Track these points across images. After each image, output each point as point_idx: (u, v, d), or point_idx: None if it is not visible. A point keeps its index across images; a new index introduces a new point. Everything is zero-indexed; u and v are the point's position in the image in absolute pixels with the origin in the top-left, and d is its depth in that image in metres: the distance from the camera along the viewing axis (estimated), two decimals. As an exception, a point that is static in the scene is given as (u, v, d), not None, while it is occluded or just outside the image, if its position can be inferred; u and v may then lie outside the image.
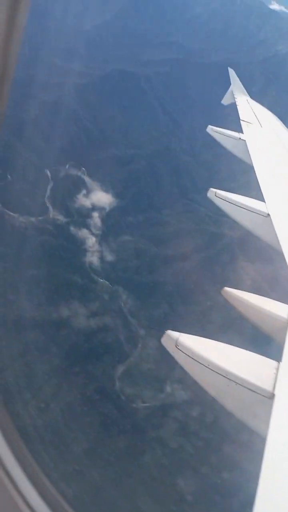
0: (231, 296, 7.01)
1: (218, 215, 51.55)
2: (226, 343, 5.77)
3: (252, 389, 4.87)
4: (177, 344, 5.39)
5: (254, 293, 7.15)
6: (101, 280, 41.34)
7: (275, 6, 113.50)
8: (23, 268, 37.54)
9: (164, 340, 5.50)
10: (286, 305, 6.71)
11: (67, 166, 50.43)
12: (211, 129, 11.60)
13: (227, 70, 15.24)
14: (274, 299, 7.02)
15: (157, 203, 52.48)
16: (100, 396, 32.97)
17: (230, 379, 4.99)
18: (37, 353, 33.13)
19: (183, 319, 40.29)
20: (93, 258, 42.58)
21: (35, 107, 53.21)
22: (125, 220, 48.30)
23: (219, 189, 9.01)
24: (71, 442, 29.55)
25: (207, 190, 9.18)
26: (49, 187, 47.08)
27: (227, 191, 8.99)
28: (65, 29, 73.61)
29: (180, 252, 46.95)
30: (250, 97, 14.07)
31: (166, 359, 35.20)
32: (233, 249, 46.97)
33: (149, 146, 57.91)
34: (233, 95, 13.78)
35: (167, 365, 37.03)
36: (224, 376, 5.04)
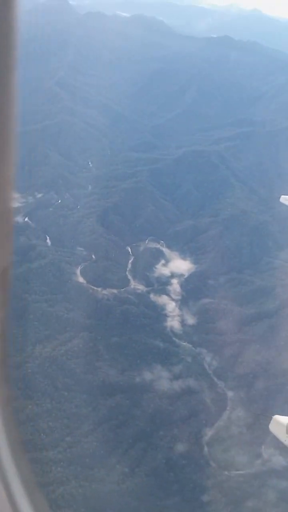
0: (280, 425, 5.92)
1: None
2: None
3: None
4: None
5: None
6: (183, 343, 41.27)
7: None
8: (107, 336, 39.41)
9: (272, 426, 5.05)
10: None
11: (146, 241, 53.69)
12: (284, 199, 12.27)
13: None
14: None
15: (238, 264, 52.38)
16: (188, 462, 31.38)
17: None
18: (122, 417, 33.33)
19: (273, 380, 37.83)
20: (173, 323, 43.08)
21: (114, 195, 59.04)
22: (205, 284, 48.73)
23: None
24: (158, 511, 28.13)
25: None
26: (130, 262, 50.22)
27: None
28: (140, 127, 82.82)
29: (266, 309, 45.36)
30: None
31: (259, 422, 33.07)
32: None
33: (225, 212, 59.41)
34: None
35: (261, 428, 34.46)
36: None
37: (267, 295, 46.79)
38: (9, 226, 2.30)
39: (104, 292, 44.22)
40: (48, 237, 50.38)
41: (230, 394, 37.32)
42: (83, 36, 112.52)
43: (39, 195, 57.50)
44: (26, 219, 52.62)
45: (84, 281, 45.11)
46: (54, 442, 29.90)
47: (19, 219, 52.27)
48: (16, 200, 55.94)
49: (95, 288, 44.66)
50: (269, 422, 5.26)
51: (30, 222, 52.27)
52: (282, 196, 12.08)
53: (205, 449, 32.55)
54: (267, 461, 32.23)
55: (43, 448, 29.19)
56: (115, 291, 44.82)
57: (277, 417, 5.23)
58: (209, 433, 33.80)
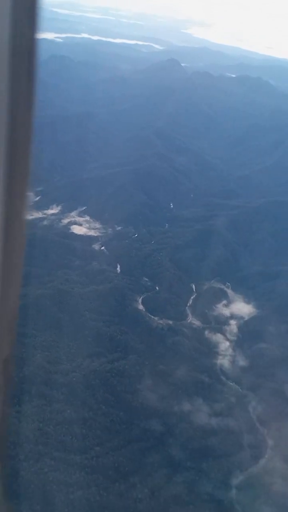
0: None
1: None
2: None
3: None
4: None
5: None
6: (230, 383, 40.72)
7: None
8: (154, 363, 40.61)
9: None
10: None
11: (212, 281, 54.62)
12: None
13: None
14: None
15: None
16: (211, 499, 30.52)
17: None
18: (153, 441, 33.79)
19: None
20: (224, 361, 42.83)
21: (188, 234, 61.43)
22: (264, 329, 47.76)
23: None
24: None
25: None
26: (191, 298, 51.41)
27: None
28: (226, 176, 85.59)
29: None
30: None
31: None
32: None
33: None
34: None
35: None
36: None
37: None
38: (12, 319, 2.15)
39: (160, 321, 45.81)
40: (118, 265, 53.95)
41: (270, 442, 35.72)
42: (187, 92, 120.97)
43: (118, 228, 62.16)
44: (103, 247, 57.13)
45: (143, 309, 47.26)
46: (82, 448, 31.41)
47: (95, 246, 57.01)
48: (97, 230, 61.24)
49: (152, 317, 46.52)
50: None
51: (105, 250, 56.63)
52: None
53: (233, 492, 31.42)
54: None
55: (72, 451, 30.83)
56: (171, 322, 46.15)
57: None
58: (240, 476, 32.60)
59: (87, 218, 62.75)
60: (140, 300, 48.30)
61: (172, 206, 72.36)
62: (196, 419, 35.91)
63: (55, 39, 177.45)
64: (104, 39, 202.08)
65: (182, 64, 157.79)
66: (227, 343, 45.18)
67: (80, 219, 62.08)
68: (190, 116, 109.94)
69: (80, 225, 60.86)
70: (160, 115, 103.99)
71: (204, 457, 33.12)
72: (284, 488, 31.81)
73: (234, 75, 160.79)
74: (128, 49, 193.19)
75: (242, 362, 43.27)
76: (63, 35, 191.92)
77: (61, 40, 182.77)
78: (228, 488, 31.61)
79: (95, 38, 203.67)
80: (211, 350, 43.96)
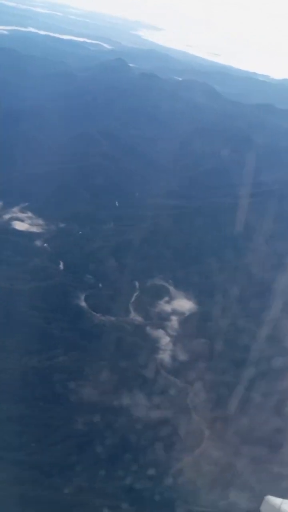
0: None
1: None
2: None
3: None
4: None
5: None
6: (170, 376, 41.63)
7: None
8: (95, 358, 40.78)
9: (263, 508, 4.79)
10: None
11: (154, 279, 55.52)
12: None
13: None
14: None
15: (241, 311, 52.65)
16: (149, 489, 31.10)
17: None
18: (92, 435, 33.91)
19: (254, 425, 37.23)
20: (164, 356, 43.74)
21: (132, 233, 62.03)
22: (204, 325, 49.29)
23: None
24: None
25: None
26: (134, 295, 52.01)
27: None
28: (172, 177, 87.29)
29: (260, 357, 45.02)
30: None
31: (233, 464, 33.06)
32: None
33: (237, 260, 60.60)
34: None
35: (234, 471, 33.91)
36: None
37: (263, 343, 46.52)
38: None
39: (103, 318, 45.99)
40: (61, 262, 53.44)
41: (207, 432, 36.97)
42: (134, 92, 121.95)
43: (62, 225, 61.56)
44: (45, 244, 56.33)
45: (86, 306, 47.20)
46: (19, 446, 30.90)
47: (38, 243, 56.09)
48: (40, 227, 60.27)
49: (95, 313, 46.58)
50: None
51: (48, 247, 55.88)
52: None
53: (170, 479, 32.20)
54: (233, 504, 31.35)
55: (8, 449, 30.23)
56: (113, 319, 46.48)
57: (269, 498, 4.79)
58: (177, 465, 33.49)
59: (30, 214, 61.59)
60: (82, 297, 48.19)
61: (117, 205, 72.69)
62: (135, 412, 36.41)
63: (0, 30, 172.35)
64: (51, 34, 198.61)
65: (130, 65, 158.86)
66: (168, 339, 46.15)
67: (22, 215, 60.81)
68: (137, 116, 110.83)
69: (22, 221, 59.62)
70: (107, 114, 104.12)
71: (142, 448, 33.68)
72: (218, 474, 33.08)
73: (180, 79, 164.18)
74: (76, 46, 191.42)
75: (181, 356, 44.37)
76: (9, 28, 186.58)
77: (6, 33, 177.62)
78: (165, 476, 32.33)
79: (43, 33, 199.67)
80: (152, 345, 44.71)
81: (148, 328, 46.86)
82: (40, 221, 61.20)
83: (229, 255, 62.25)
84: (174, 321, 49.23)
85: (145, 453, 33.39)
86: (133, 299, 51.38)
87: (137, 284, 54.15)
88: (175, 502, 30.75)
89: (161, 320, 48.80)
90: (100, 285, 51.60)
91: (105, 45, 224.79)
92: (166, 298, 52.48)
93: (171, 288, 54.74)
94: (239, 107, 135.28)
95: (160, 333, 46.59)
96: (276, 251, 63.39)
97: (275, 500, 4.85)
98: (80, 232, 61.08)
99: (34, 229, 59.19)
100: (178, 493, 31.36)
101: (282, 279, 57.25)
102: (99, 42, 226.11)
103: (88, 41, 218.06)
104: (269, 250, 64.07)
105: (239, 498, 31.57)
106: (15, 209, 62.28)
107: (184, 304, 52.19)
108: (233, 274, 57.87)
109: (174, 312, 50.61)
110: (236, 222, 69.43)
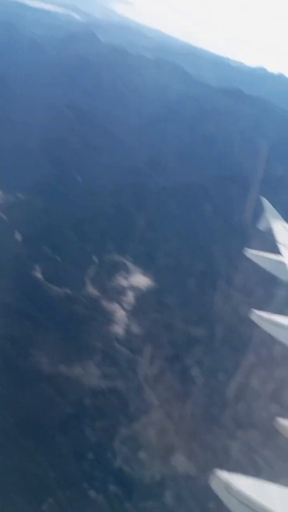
0: (284, 428, 6.43)
1: (258, 300, 51.09)
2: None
3: None
4: (228, 488, 4.68)
5: None
6: (123, 348, 42.41)
7: None
8: (49, 329, 40.85)
9: (213, 482, 4.84)
10: None
11: (113, 254, 55.76)
12: (250, 253, 12.31)
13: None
14: None
15: (197, 288, 53.94)
16: (94, 453, 32.02)
17: None
18: (41, 403, 34.28)
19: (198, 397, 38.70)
20: (118, 329, 44.41)
21: (95, 208, 61.86)
22: (160, 301, 50.27)
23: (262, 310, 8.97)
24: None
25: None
26: (92, 268, 52.09)
27: (270, 312, 8.93)
28: (136, 154, 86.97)
29: (210, 332, 46.61)
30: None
31: (179, 431, 34.18)
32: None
33: (197, 240, 61.74)
34: (268, 221, 14.82)
35: (179, 437, 35.23)
36: None
37: (215, 320, 48.09)
38: None
39: (58, 290, 45.94)
40: (19, 233, 52.64)
41: (155, 402, 38.09)
42: (103, 67, 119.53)
43: (21, 196, 60.37)
44: (2, 214, 55.20)
45: (42, 277, 46.96)
46: None
47: (-6, 213, 54.94)
48: (-2, 197, 58.91)
49: (51, 285, 46.45)
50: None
51: (5, 217, 54.81)
52: (247, 249, 12.31)
53: (116, 445, 33.15)
54: (174, 467, 32.72)
55: None
56: (68, 291, 46.51)
57: (218, 473, 4.80)
58: (124, 432, 34.42)
59: (-13, 184, 59.99)
60: (38, 268, 47.83)
61: (80, 179, 71.88)
62: (86, 381, 37.04)
63: None
64: (20, 0, 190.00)
65: (101, 39, 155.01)
66: (123, 313, 46.78)
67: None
68: (105, 91, 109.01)
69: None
70: (74, 87, 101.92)
71: (90, 416, 34.44)
72: (164, 441, 34.33)
73: (151, 57, 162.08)
74: (45, 15, 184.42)
75: (136, 330, 45.21)
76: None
77: None
78: (112, 442, 33.27)
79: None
80: (107, 318, 45.24)
81: (104, 302, 47.27)
82: (-1, 191, 59.79)
83: (190, 234, 63.37)
84: (131, 296, 49.86)
85: (93, 420, 34.18)
86: (90, 272, 51.45)
87: (95, 258, 54.24)
88: (119, 467, 31.86)
89: (117, 294, 49.31)
90: (58, 257, 51.31)
91: (76, 16, 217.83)
92: (124, 274, 52.95)
93: (130, 264, 55.21)
94: (207, 90, 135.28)
95: (115, 307, 47.13)
96: (235, 229, 65.03)
97: (223, 474, 4.73)
98: (40, 205, 60.07)
99: (-9, 199, 57.83)
100: (123, 459, 32.43)
101: (239, 258, 58.94)
102: (70, 12, 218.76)
103: (59, 10, 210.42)
104: (231, 228, 65.67)
105: (181, 463, 33.04)
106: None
107: (141, 280, 52.86)
108: (193, 253, 59.05)
109: (131, 287, 51.23)
110: (199, 202, 70.65)
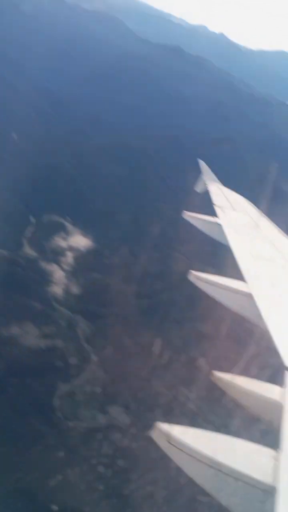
0: (220, 381, 6.70)
1: (195, 260, 52.95)
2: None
3: (252, 483, 4.50)
4: (169, 439, 4.92)
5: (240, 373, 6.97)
6: (62, 308, 42.74)
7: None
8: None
9: (154, 434, 5.04)
10: (277, 386, 6.37)
11: (51, 214, 54.84)
12: (187, 215, 12.25)
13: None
14: (262, 379, 6.80)
15: (136, 248, 54.82)
16: (34, 410, 32.73)
17: (228, 475, 4.59)
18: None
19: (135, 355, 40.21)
20: (57, 289, 44.50)
21: (32, 168, 59.70)
22: (99, 261, 50.70)
23: (200, 270, 9.14)
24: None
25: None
26: (29, 229, 51.16)
27: (207, 272, 9.17)
28: (74, 113, 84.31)
29: (151, 291, 48.15)
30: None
31: (115, 384, 35.24)
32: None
33: (136, 201, 62.06)
34: (204, 183, 14.79)
35: (116, 390, 36.71)
36: (221, 472, 4.61)
37: (156, 279, 49.57)
38: None
39: (-6, 251, 44.81)
40: None
41: (94, 358, 39.21)
42: (37, 15, 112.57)
43: None
44: None
45: (-24, 239, 45.47)
46: None
47: None
48: None
49: (-15, 247, 45.15)
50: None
51: None
52: (185, 212, 12.26)
53: (55, 401, 34.07)
54: (112, 418, 34.35)
55: None
56: (5, 252, 45.52)
57: (159, 424, 4.99)
58: (63, 388, 35.36)
59: None
60: (-28, 230, 46.17)
61: (15, 138, 68.67)
62: (24, 341, 37.19)
63: None
64: None
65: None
66: (62, 273, 46.78)
67: None
68: (39, 43, 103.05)
69: None
70: (5, 36, 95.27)
71: (30, 371, 34.91)
72: (103, 396, 35.75)
73: (90, 9, 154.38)
74: None
75: (75, 290, 45.56)
76: None
77: None
78: (52, 398, 34.14)
79: None
80: (46, 279, 45.08)
81: (42, 263, 46.89)
82: None
83: (130, 195, 63.51)
84: (70, 257, 49.79)
85: (33, 377, 34.69)
86: (27, 233, 50.55)
87: (32, 219, 53.17)
88: (58, 419, 32.93)
89: (56, 255, 49.04)
90: (-7, 218, 49.61)
91: None
92: (63, 234, 52.52)
93: (68, 225, 54.74)
94: (147, 46, 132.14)
95: (54, 267, 46.97)
96: (174, 190, 66.12)
97: (164, 426, 4.94)
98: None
99: None
100: (62, 412, 33.51)
101: (178, 220, 60.31)
102: None
103: None
104: (169, 189, 66.63)
105: (118, 414, 34.75)
106: None
107: (80, 241, 52.77)
108: (132, 214, 59.50)
109: (70, 248, 51.06)
110: (139, 162, 70.55)
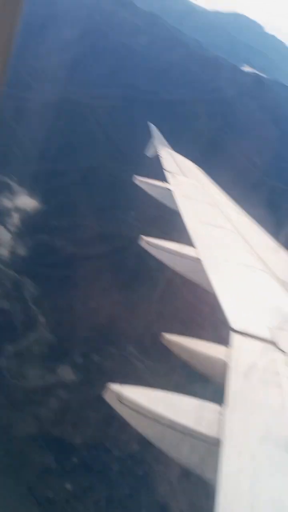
0: (170, 342, 6.91)
1: (145, 225, 53.34)
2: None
3: (198, 437, 4.72)
4: (120, 398, 5.07)
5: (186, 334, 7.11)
6: (8, 270, 41.96)
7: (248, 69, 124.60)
8: None
9: (106, 395, 5.17)
10: (223, 346, 6.57)
11: (-5, 174, 52.61)
12: (138, 180, 12.21)
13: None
14: (207, 339, 6.98)
15: (84, 210, 54.26)
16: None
17: (176, 430, 4.79)
18: None
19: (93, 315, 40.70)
20: (3, 251, 43.47)
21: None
22: (46, 223, 49.74)
23: (150, 235, 9.37)
24: None
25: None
26: (-28, 189, 48.89)
27: (158, 237, 9.38)
28: (20, 65, 79.36)
29: (97, 253, 48.22)
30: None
31: (63, 343, 35.38)
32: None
33: (85, 162, 60.77)
34: (155, 147, 14.68)
35: (64, 350, 37.19)
36: (170, 427, 4.82)
37: (103, 240, 49.59)
38: None
39: None
40: None
41: (42, 319, 39.26)
42: None
43: None
44: None
45: None
46: None
47: None
48: None
49: None
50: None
51: None
52: (136, 176, 12.20)
53: (1, 360, 34.07)
54: (59, 377, 35.00)
55: None
56: None
57: (110, 385, 5.12)
58: (10, 349, 35.34)
59: None
60: None
61: None
62: None
63: None
64: None
65: None
66: (8, 235, 45.58)
67: None
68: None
69: None
70: None
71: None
72: (50, 356, 36.17)
73: None
74: None
75: (21, 251, 44.69)
76: None
77: None
78: (-2, 359, 34.13)
79: None
80: (-10, 240, 43.80)
81: (-14, 224, 45.36)
82: None
83: (78, 155, 62.04)
84: (16, 218, 48.45)
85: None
86: None
87: (-25, 178, 50.81)
88: (4, 378, 33.12)
89: (1, 215, 47.49)
90: None
91: None
92: (8, 195, 50.75)
93: (14, 185, 52.87)
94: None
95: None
96: (124, 153, 65.40)
97: (115, 386, 5.06)
98: None
99: None
100: (9, 372, 33.67)
101: (129, 184, 60.02)
102: None
103: None
104: (120, 152, 65.76)
105: (67, 373, 35.47)
106: None
107: (27, 202, 51.33)
108: (81, 174, 58.35)
109: (16, 209, 49.59)
110: (88, 121, 68.58)
